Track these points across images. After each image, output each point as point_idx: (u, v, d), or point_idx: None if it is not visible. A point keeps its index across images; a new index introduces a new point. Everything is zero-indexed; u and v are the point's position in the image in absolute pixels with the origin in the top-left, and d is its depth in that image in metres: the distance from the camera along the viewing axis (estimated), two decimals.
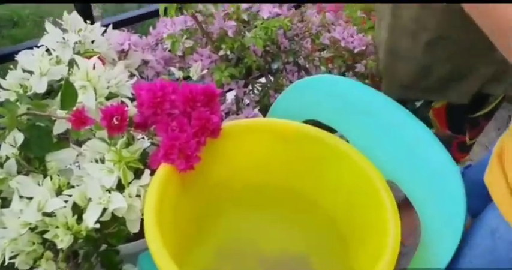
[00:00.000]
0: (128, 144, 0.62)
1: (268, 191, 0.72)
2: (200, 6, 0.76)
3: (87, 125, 0.56)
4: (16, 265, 0.58)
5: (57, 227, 0.58)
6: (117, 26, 0.90)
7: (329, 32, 0.99)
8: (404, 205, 0.60)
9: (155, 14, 1.01)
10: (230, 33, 0.78)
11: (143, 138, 0.66)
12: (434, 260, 0.55)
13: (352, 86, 0.64)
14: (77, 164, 0.67)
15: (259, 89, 0.98)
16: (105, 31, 0.78)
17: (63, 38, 0.71)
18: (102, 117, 0.55)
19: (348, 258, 0.63)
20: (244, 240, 0.73)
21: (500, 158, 0.52)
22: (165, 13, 0.81)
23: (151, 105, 0.59)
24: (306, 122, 0.67)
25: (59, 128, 0.61)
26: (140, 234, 0.59)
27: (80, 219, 0.59)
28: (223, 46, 0.78)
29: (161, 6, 0.79)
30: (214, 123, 0.60)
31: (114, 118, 0.56)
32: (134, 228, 0.61)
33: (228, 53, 0.79)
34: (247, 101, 0.96)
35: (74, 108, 0.58)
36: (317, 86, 0.66)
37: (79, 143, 0.69)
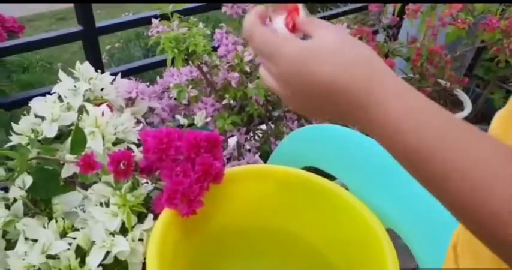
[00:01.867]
0: (133, 188, 0.64)
1: (269, 236, 0.73)
2: (206, 57, 0.80)
3: (95, 170, 0.58)
4: None
5: None
6: (124, 74, 0.94)
7: None
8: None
9: (162, 63, 1.06)
10: (233, 84, 0.82)
11: (147, 182, 0.68)
12: None
13: (351, 135, 0.67)
14: (82, 207, 0.69)
15: (260, 135, 1.01)
16: (114, 80, 0.83)
17: (75, 86, 0.75)
18: (109, 162, 0.58)
19: None
20: None
21: (454, 251, 0.46)
22: (172, 63, 0.86)
23: (157, 151, 0.62)
24: (306, 168, 0.70)
25: (67, 171, 0.63)
26: None
27: (82, 262, 0.60)
28: (227, 95, 0.82)
29: (168, 57, 0.83)
30: (217, 168, 0.63)
31: (121, 163, 0.58)
32: None
33: (231, 101, 0.83)
34: (248, 147, 0.99)
35: (83, 153, 0.61)
36: (316, 134, 0.69)
37: (85, 187, 0.71)
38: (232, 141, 1.05)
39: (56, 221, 0.63)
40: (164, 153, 0.62)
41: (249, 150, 0.96)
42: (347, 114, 0.36)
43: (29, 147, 0.66)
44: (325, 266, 0.67)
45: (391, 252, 0.56)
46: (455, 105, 1.48)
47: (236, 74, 0.82)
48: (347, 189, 0.66)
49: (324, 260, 0.67)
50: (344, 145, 0.66)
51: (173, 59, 0.83)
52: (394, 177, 0.63)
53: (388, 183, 0.63)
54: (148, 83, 0.92)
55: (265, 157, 1.00)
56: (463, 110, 1.46)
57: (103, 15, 3.52)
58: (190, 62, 0.80)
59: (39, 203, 0.68)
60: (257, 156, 0.96)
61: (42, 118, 0.72)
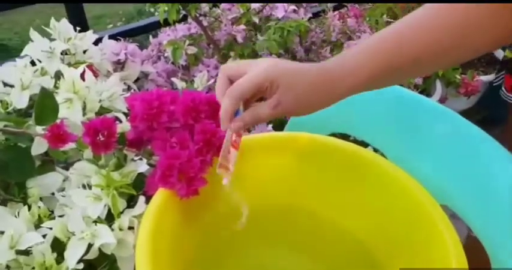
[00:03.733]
0: (119, 165, 0.52)
1: (287, 218, 0.61)
2: (206, 7, 0.67)
3: (67, 143, 0.46)
4: None
5: (33, 268, 0.48)
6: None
7: (350, 39, 0.90)
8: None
9: (156, 25, 0.93)
10: (239, 39, 0.69)
11: (140, 159, 0.57)
12: None
13: (393, 91, 0.53)
14: (64, 192, 0.57)
15: None
16: (99, 40, 0.70)
17: (50, 47, 0.62)
18: (85, 132, 0.46)
19: None
20: None
21: None
22: (166, 22, 0.73)
23: (147, 118, 0.49)
24: (332, 136, 0.57)
25: (38, 147, 0.51)
26: None
27: (61, 257, 0.48)
28: (232, 54, 0.69)
29: (160, 14, 0.70)
30: (221, 137, 0.50)
31: (100, 134, 0.46)
32: (127, 268, 0.50)
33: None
34: None
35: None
36: None
37: (67, 166, 0.59)
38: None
39: (30, 208, 0.52)
40: (155, 120, 0.50)
41: None
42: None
43: None
44: (360, 253, 0.54)
45: (451, 235, 0.43)
46: (490, 64, 1.32)
47: (242, 27, 0.68)
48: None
49: (359, 246, 0.55)
50: (382, 103, 0.53)
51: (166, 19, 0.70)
52: (447, 143, 0.50)
53: (439, 151, 0.50)
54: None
55: (279, 129, 0.88)
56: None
57: None
58: (187, 14, 0.67)
59: (11, 188, 0.57)
60: (270, 126, 0.83)
61: (12, 86, 0.60)
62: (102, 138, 0.46)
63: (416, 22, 0.43)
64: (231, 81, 0.45)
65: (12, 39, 2.86)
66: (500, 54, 1.36)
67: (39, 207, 0.53)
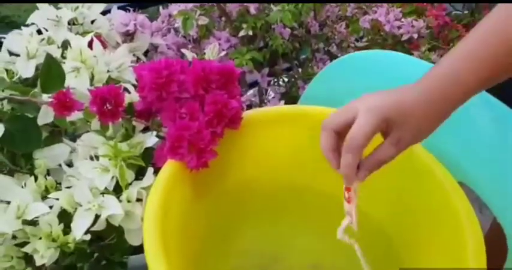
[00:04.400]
0: (127, 136, 0.50)
1: (299, 195, 0.60)
2: None
3: (73, 111, 0.44)
4: None
5: (40, 238, 0.47)
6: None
7: (366, 14, 0.86)
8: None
9: None
10: (252, 10, 0.67)
11: (148, 129, 0.55)
12: None
13: (408, 62, 0.51)
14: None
15: (286, 80, 0.86)
16: (108, 11, 0.68)
17: (57, 16, 0.60)
18: (91, 101, 0.44)
19: None
20: (269, 256, 0.60)
21: None
22: None
23: (155, 88, 0.48)
24: None
25: (44, 116, 0.50)
26: None
27: (68, 228, 0.47)
28: (244, 26, 0.67)
29: None
30: (233, 109, 0.48)
31: (107, 102, 0.44)
32: (135, 240, 0.49)
33: (250, 33, 0.67)
34: (272, 94, 0.84)
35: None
36: (362, 64, 0.53)
37: (75, 138, 0.58)
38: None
39: (36, 179, 0.51)
40: (164, 90, 0.48)
41: (273, 97, 0.82)
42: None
43: None
44: (373, 233, 0.53)
45: (468, 214, 0.41)
46: None
47: None
48: None
49: (373, 225, 0.53)
50: (397, 76, 0.50)
51: None
52: (465, 118, 0.48)
53: (457, 125, 0.47)
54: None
55: (292, 104, 0.85)
56: None
57: None
58: None
59: (18, 159, 0.56)
60: (282, 103, 0.81)
61: (18, 56, 0.58)
62: (109, 107, 0.45)
63: None
64: (338, 134, 0.42)
65: (22, 16, 2.85)
66: None
67: (45, 178, 0.52)
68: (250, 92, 0.82)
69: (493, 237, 0.48)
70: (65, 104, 0.43)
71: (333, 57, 0.89)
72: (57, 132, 0.58)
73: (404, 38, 0.81)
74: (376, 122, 0.39)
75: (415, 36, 0.79)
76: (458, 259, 0.40)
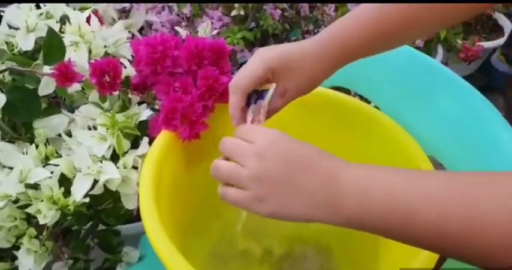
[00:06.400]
0: (124, 107, 0.54)
1: None
2: None
3: (74, 82, 0.47)
4: None
5: (41, 201, 0.50)
6: None
7: None
8: None
9: None
10: None
11: (144, 103, 0.58)
12: None
13: (404, 52, 0.54)
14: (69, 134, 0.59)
15: None
16: None
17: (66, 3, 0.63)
18: (91, 73, 0.47)
19: (378, 252, 0.53)
20: (260, 222, 0.64)
21: None
22: None
23: (151, 62, 0.51)
24: (332, 89, 0.59)
25: (45, 87, 0.53)
26: None
27: (68, 193, 0.51)
28: (236, 5, 0.69)
29: None
30: (223, 84, 0.52)
31: (106, 74, 0.47)
32: (130, 204, 0.53)
33: (242, 13, 0.70)
34: None
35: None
36: None
37: (72, 110, 0.61)
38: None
39: (37, 147, 0.54)
40: (159, 64, 0.51)
41: None
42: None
43: None
44: None
45: None
46: (493, 31, 1.32)
47: None
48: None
49: None
50: (380, 59, 0.54)
51: None
52: (437, 98, 0.52)
53: (428, 105, 0.52)
54: None
55: None
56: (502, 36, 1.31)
57: None
58: None
59: (18, 128, 0.59)
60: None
61: (17, 29, 0.60)
62: (108, 79, 0.48)
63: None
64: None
65: None
66: (504, 22, 1.35)
67: (46, 146, 0.55)
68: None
69: None
70: (66, 75, 0.46)
71: None
72: (56, 104, 0.62)
73: None
74: (263, 69, 0.43)
75: None
76: None
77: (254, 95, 0.46)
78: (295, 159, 0.36)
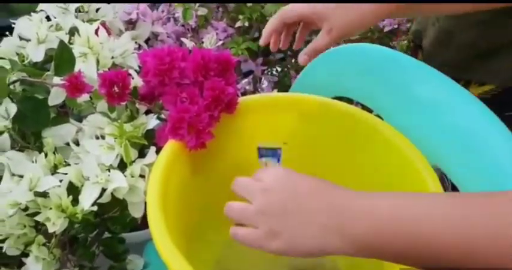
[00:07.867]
0: (132, 117, 0.55)
1: None
2: None
3: (84, 92, 0.49)
4: (4, 250, 0.52)
5: (50, 209, 0.51)
6: None
7: None
8: None
9: None
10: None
11: (151, 112, 0.59)
12: None
13: (392, 57, 0.55)
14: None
15: (279, 69, 0.90)
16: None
17: (65, 3, 0.64)
18: (100, 84, 0.48)
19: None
20: None
21: None
22: None
23: (158, 73, 0.52)
24: (335, 99, 0.60)
25: (54, 98, 0.54)
26: (147, 223, 0.52)
27: (76, 201, 0.52)
28: (241, 17, 0.71)
29: None
30: (229, 94, 0.53)
31: (115, 85, 0.49)
32: (137, 213, 0.54)
33: (246, 24, 0.71)
34: (265, 82, 0.89)
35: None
36: (349, 56, 0.58)
37: (80, 119, 0.62)
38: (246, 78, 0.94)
39: (46, 156, 0.55)
40: (166, 75, 0.52)
41: (266, 85, 0.86)
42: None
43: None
44: None
45: (437, 188, 0.46)
46: None
47: None
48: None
49: None
50: (382, 68, 0.55)
51: None
52: (447, 108, 0.53)
53: (437, 115, 0.53)
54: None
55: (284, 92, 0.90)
56: None
57: None
58: None
59: (27, 136, 0.60)
60: (275, 91, 0.86)
61: (28, 41, 0.62)
62: (116, 90, 0.49)
63: None
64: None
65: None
66: None
67: (54, 155, 0.56)
68: (245, 80, 0.86)
69: None
70: (76, 86, 0.47)
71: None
72: (64, 114, 0.63)
73: (387, 29, 0.86)
74: (308, 9, 0.50)
75: (396, 27, 0.84)
76: None
77: (266, 150, 0.53)
78: (300, 189, 0.37)
